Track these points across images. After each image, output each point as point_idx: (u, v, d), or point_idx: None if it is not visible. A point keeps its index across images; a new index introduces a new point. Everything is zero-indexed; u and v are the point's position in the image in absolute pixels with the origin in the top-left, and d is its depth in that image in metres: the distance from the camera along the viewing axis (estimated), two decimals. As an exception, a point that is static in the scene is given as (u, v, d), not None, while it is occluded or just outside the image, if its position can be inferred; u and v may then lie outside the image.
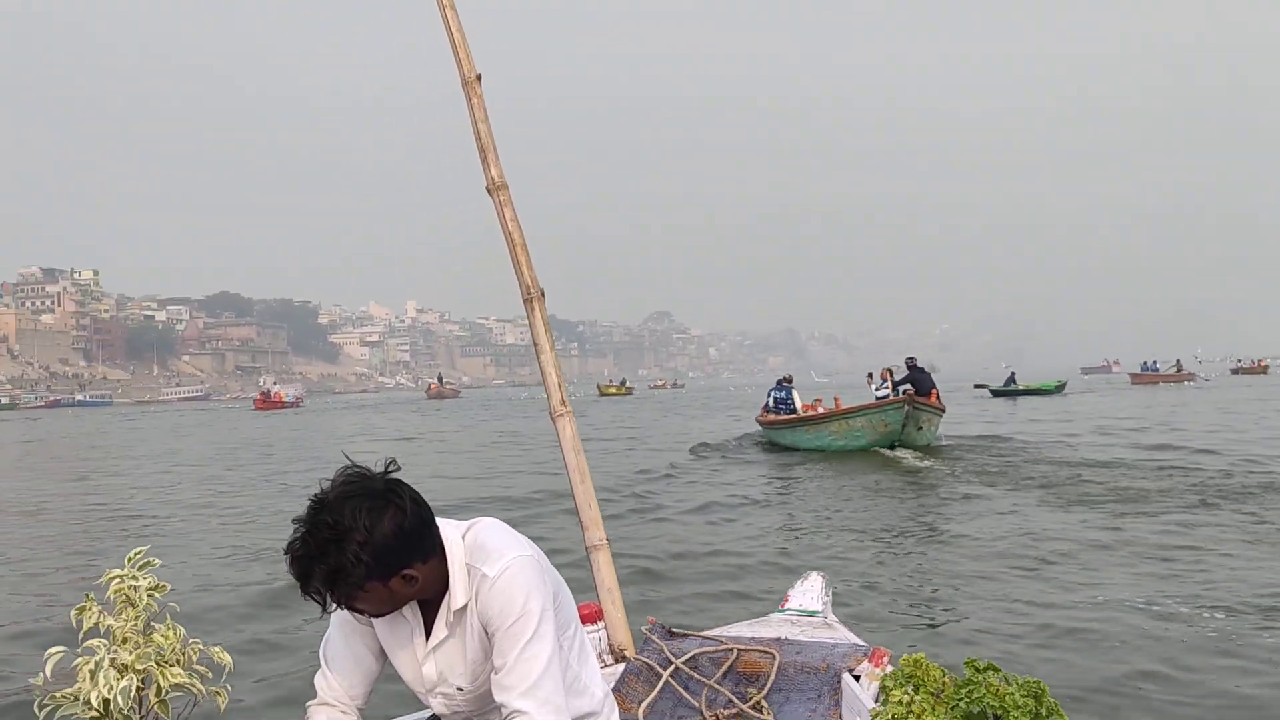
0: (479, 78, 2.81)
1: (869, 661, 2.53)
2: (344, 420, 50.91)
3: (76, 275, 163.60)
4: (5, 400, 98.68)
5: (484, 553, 1.90)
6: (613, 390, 77.66)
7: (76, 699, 1.88)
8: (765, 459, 18.06)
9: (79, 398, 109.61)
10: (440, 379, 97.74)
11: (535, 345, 2.86)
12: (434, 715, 2.11)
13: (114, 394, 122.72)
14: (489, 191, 2.75)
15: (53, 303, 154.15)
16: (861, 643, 2.73)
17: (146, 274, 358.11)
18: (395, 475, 1.86)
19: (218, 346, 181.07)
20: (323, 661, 2.05)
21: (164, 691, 1.96)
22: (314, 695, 2.05)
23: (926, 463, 15.84)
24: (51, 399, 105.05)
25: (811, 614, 3.05)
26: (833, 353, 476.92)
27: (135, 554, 2.05)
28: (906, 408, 17.98)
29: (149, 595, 2.00)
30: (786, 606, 3.12)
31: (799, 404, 20.65)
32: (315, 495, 1.79)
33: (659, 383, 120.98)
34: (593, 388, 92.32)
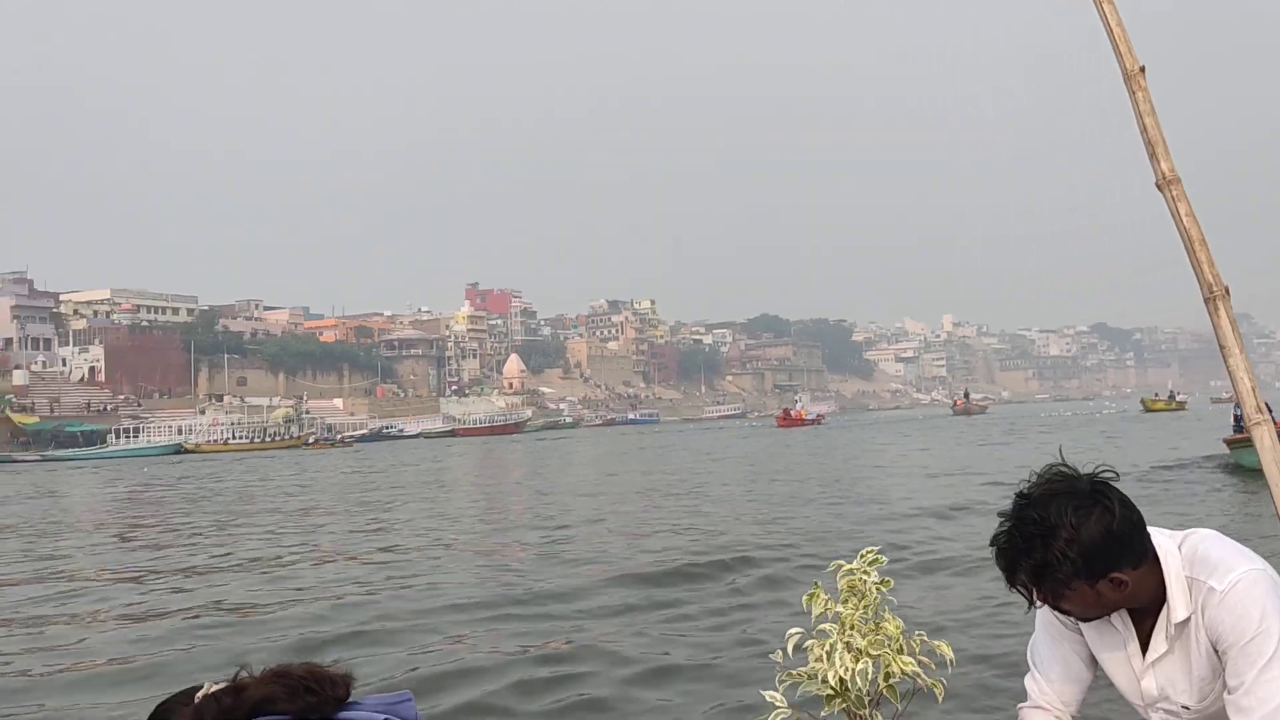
0: (1142, 70, 2.55)
1: None
2: (849, 437, 49.84)
3: (636, 305, 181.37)
4: (569, 419, 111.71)
5: (1207, 565, 1.84)
6: (1160, 405, 68.17)
7: (812, 676, 2.12)
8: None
9: (630, 416, 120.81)
10: (966, 395, 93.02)
11: (1222, 348, 2.45)
12: None
13: (663, 412, 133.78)
14: (1159, 188, 2.45)
15: (616, 331, 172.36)
16: None
17: (697, 302, 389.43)
18: (1105, 478, 1.87)
19: (757, 366, 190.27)
20: (1031, 665, 2.09)
21: (892, 677, 2.11)
22: (1024, 698, 2.08)
23: None
24: (608, 417, 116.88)
25: None
26: None
27: (867, 552, 2.23)
28: None
29: (876, 588, 2.18)
30: None
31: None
32: (1020, 491, 1.86)
33: (1228, 395, 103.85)
34: (1136, 402, 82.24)
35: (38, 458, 57.84)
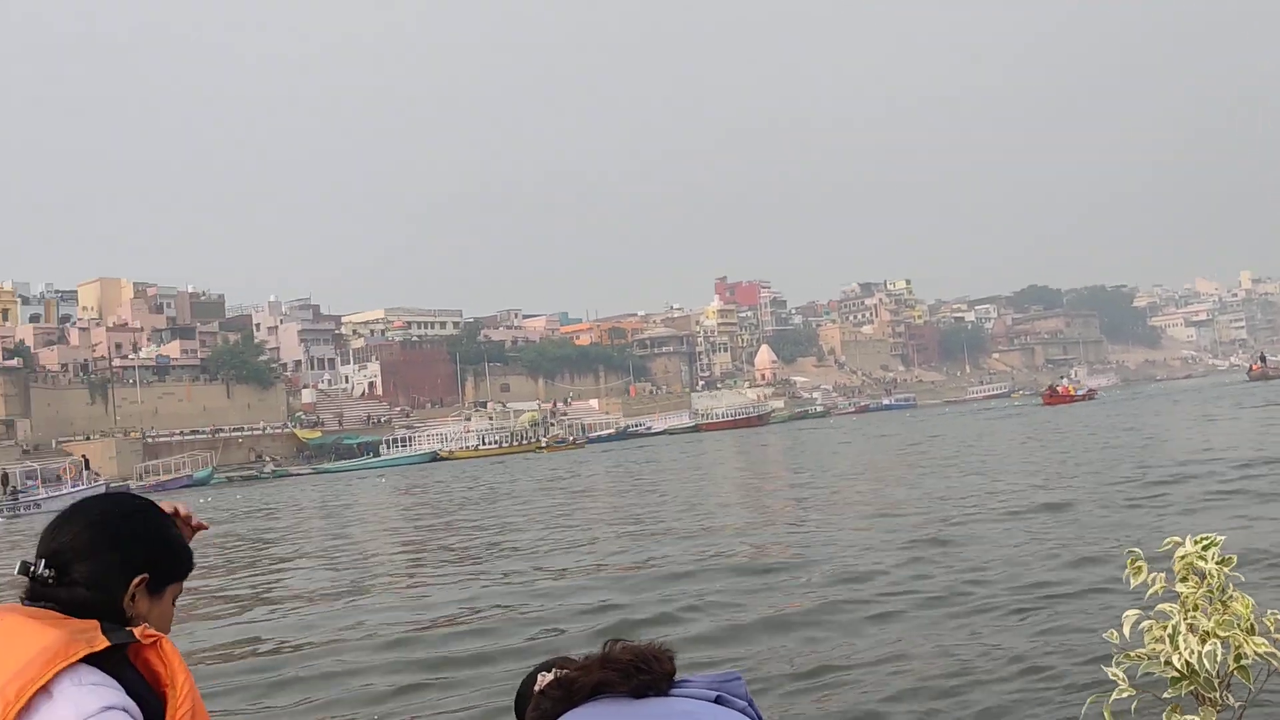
0: None
1: None
2: (1119, 411, 45.45)
3: (890, 286, 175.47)
4: (821, 408, 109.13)
5: None
6: None
7: (1152, 658, 2.09)
8: None
9: (885, 402, 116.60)
10: (1263, 358, 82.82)
11: None
12: None
13: (924, 395, 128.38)
14: None
15: (870, 314, 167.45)
16: None
17: (957, 278, 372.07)
18: None
19: (1026, 341, 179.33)
20: None
21: (1244, 659, 2.06)
22: None
23: None
24: (861, 404, 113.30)
25: None
26: None
27: (1202, 538, 2.16)
28: None
29: (1218, 568, 2.11)
30: None
31: None
32: None
33: None
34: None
35: (310, 470, 62.64)
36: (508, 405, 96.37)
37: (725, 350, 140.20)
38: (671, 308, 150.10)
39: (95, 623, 1.44)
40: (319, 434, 77.55)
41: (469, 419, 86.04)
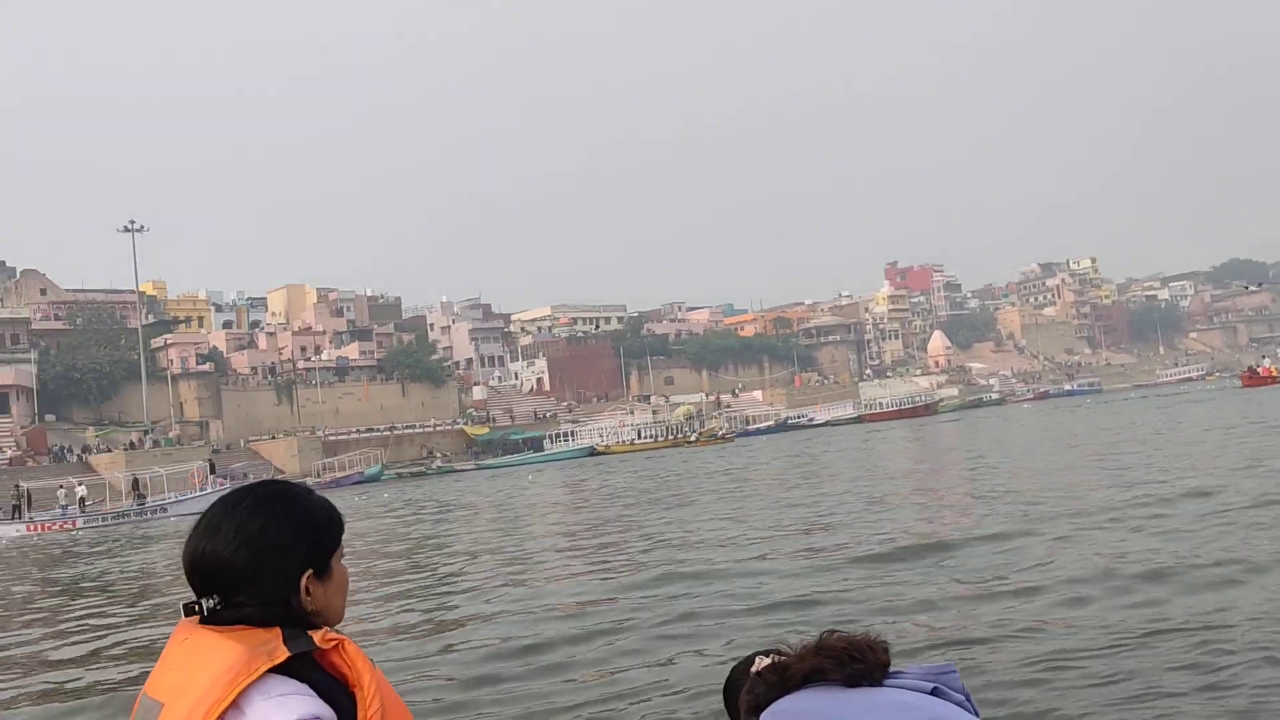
0: None
1: None
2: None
3: (1074, 265, 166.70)
4: (995, 395, 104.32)
5: None
6: None
7: None
8: None
9: (1067, 387, 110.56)
10: None
11: None
12: None
13: (1111, 379, 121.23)
14: None
15: (1053, 295, 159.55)
16: None
17: (1148, 254, 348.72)
18: None
19: (1228, 319, 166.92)
20: None
21: None
22: None
23: None
24: (1040, 390, 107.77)
25: None
26: None
27: None
28: None
29: None
30: None
31: None
32: None
33: None
34: None
35: (473, 466, 64.25)
36: (671, 398, 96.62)
37: (896, 337, 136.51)
38: (840, 295, 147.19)
39: (277, 631, 1.45)
40: (486, 430, 79.69)
41: (631, 413, 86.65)
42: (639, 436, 68.87)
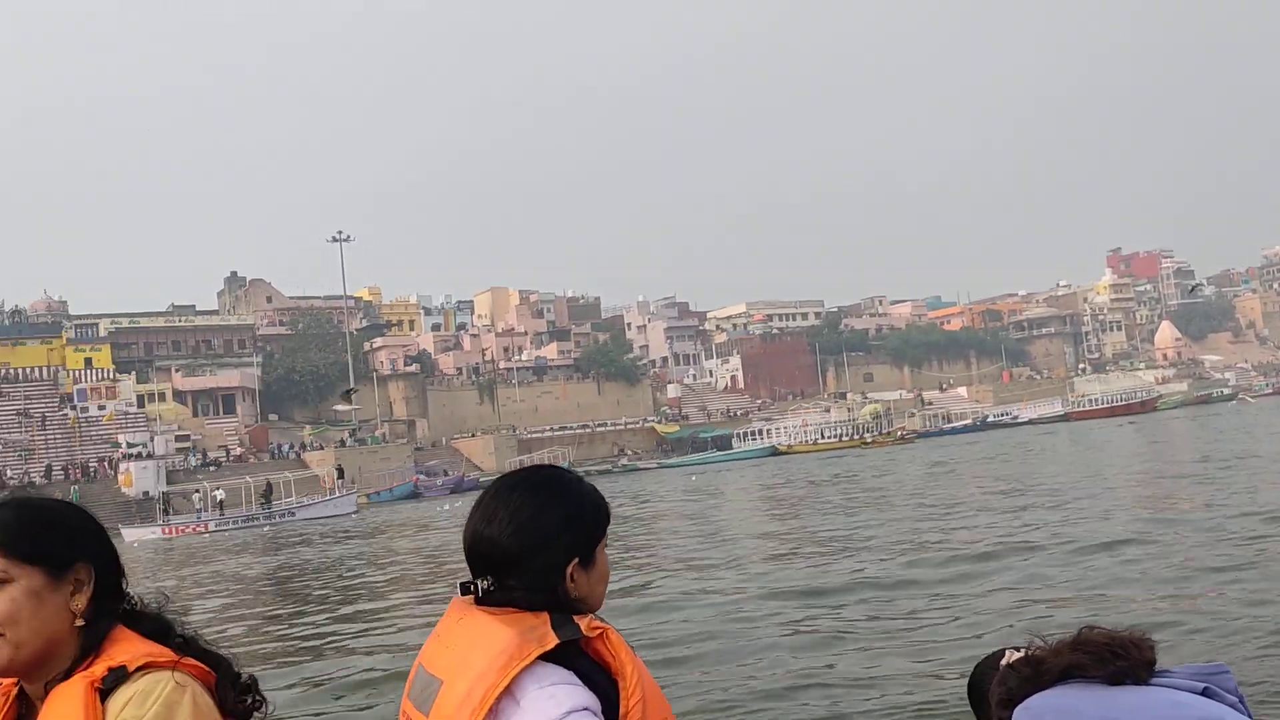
0: None
1: None
2: None
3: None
4: (1229, 390, 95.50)
5: None
6: None
7: None
8: None
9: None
10: None
11: None
12: None
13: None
14: None
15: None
16: None
17: None
18: None
19: None
20: None
21: None
22: None
23: None
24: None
25: None
26: None
27: None
28: None
29: None
30: None
31: None
32: None
33: None
34: None
35: (655, 464, 64.64)
36: (868, 396, 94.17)
37: (1118, 329, 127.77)
38: (1058, 285, 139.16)
39: (545, 617, 1.49)
40: (676, 428, 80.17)
41: (827, 411, 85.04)
42: (822, 436, 67.32)
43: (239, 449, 64.84)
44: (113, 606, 1.49)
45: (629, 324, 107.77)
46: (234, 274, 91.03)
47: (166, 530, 41.57)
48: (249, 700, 1.50)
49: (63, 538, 1.47)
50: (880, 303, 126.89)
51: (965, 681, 1.84)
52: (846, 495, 24.29)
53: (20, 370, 67.93)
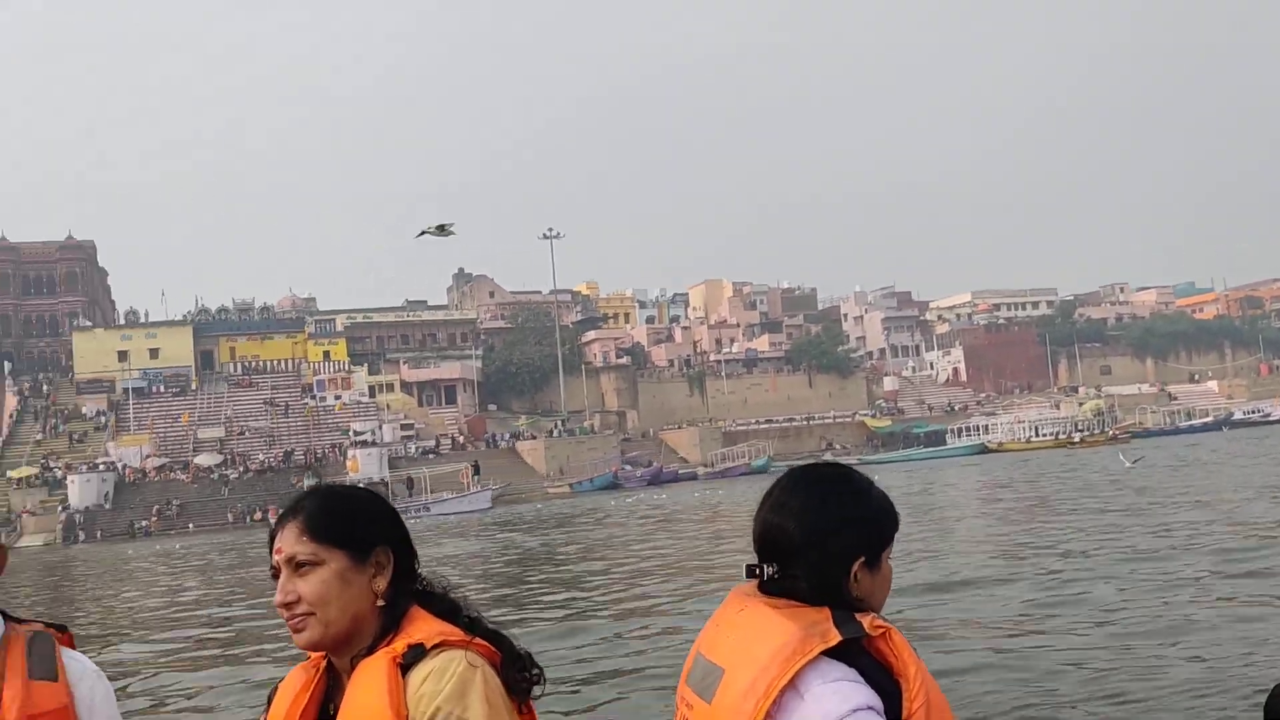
0: None
1: None
2: None
3: None
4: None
5: None
6: None
7: None
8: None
9: None
10: None
11: None
12: None
13: None
14: None
15: None
16: None
17: None
18: None
19: None
20: None
21: None
22: None
23: None
24: None
25: None
26: None
27: None
28: None
29: None
30: None
31: None
32: None
33: None
34: None
35: (856, 461, 62.76)
36: (1101, 390, 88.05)
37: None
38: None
39: (827, 613, 1.50)
40: (888, 423, 77.89)
41: (1056, 405, 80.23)
42: (1036, 434, 63.25)
43: (460, 437, 68.27)
44: (408, 587, 1.59)
45: (845, 314, 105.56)
46: (461, 270, 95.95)
47: None
48: (530, 675, 1.57)
49: (365, 523, 1.58)
50: (1121, 290, 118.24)
51: None
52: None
53: (269, 362, 74.55)
